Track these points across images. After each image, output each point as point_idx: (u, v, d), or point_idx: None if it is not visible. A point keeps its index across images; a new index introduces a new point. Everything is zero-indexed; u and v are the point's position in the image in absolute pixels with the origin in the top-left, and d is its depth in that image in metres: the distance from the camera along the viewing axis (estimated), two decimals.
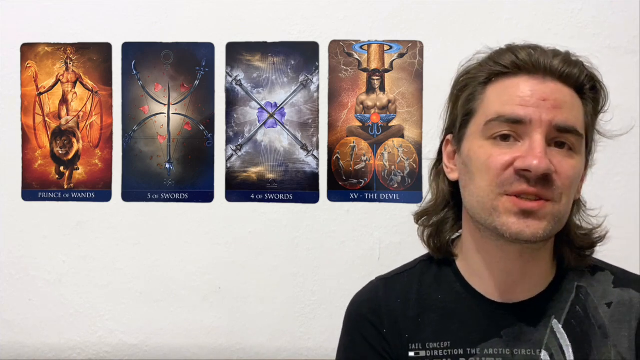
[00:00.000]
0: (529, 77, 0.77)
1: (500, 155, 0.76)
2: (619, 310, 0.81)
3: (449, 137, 0.86)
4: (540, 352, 0.80)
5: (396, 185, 1.30)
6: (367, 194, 1.31)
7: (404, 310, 0.86)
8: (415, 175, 1.30)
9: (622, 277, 0.85)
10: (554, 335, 0.80)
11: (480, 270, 0.84)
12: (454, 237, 0.89)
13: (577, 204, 0.84)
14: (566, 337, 0.80)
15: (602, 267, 0.86)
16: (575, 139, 0.76)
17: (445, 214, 0.88)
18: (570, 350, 0.79)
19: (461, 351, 0.81)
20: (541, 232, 0.74)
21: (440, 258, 0.88)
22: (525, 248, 0.79)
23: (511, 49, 0.80)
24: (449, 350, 0.82)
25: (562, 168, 0.75)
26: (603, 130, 0.84)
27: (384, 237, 1.30)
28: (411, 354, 0.83)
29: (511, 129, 0.76)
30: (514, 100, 0.76)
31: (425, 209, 0.90)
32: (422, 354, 0.83)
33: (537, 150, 0.73)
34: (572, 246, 0.84)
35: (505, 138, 0.76)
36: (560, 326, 0.81)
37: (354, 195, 1.31)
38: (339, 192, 1.31)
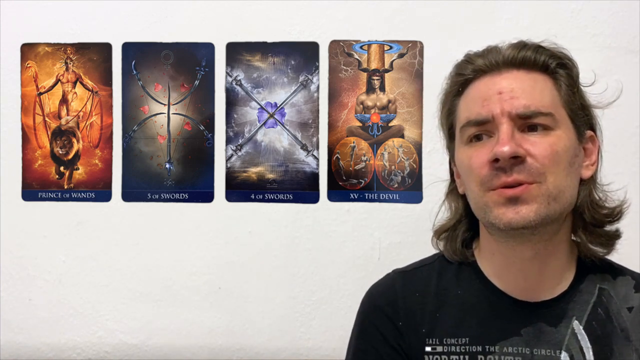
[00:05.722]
0: (488, 77, 0.81)
1: (478, 155, 0.78)
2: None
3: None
4: (560, 352, 0.79)
5: (396, 185, 1.30)
6: (367, 194, 1.30)
7: (422, 304, 0.86)
8: (415, 175, 1.30)
9: None
10: (574, 336, 0.80)
11: (499, 272, 0.84)
12: (470, 239, 0.90)
13: (587, 184, 0.82)
14: (587, 338, 0.80)
15: (623, 271, 0.86)
16: (545, 118, 0.77)
17: (459, 225, 0.90)
18: (591, 352, 0.79)
19: (479, 348, 0.81)
20: (532, 214, 0.75)
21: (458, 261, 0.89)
22: (537, 246, 0.79)
23: (468, 57, 0.85)
24: (467, 347, 0.81)
25: (537, 149, 0.76)
26: (593, 101, 0.85)
27: (384, 237, 1.30)
28: (428, 349, 0.83)
29: (480, 129, 0.79)
30: (476, 103, 0.80)
31: (443, 225, 0.92)
32: (439, 349, 0.82)
33: (500, 138, 0.76)
34: (586, 227, 0.83)
35: (479, 138, 0.80)
36: (581, 327, 0.80)
37: (354, 195, 1.31)
38: (339, 192, 1.31)
